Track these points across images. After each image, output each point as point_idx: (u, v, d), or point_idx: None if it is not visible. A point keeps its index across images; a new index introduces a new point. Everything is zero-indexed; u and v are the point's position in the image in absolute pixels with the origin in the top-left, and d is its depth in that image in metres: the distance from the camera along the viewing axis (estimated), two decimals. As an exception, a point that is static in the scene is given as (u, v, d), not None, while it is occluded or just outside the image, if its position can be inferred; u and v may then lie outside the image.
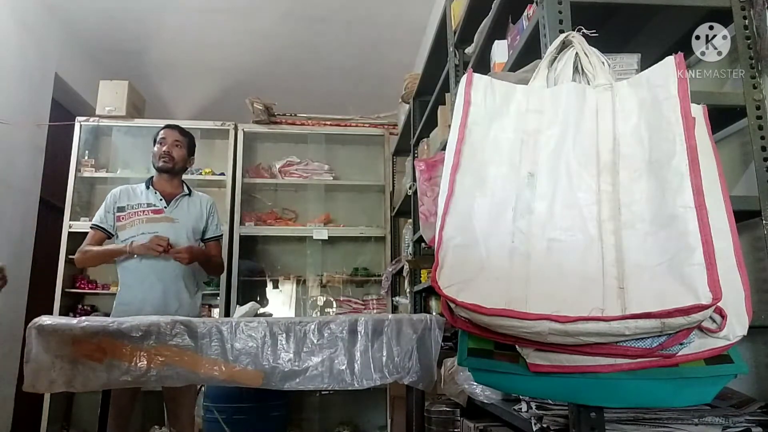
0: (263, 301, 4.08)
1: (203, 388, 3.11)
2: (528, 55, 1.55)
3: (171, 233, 2.53)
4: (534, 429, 1.21)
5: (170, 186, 2.67)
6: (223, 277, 3.84)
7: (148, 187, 2.65)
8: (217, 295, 3.92)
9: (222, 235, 2.88)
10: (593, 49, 1.24)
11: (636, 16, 1.51)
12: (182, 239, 2.58)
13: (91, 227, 2.61)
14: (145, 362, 1.78)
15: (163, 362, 1.79)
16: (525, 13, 1.67)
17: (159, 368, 1.79)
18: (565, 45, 1.27)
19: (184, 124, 4.41)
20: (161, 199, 2.61)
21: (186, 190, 2.71)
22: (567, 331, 0.95)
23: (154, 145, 2.69)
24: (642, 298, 0.94)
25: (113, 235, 2.59)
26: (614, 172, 1.09)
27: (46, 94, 4.16)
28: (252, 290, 4.05)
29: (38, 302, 3.75)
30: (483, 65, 2.04)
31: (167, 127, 2.75)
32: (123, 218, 2.56)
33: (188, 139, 2.75)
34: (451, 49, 2.47)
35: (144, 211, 2.57)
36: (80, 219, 3.87)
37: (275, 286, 4.18)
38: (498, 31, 1.93)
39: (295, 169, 4.32)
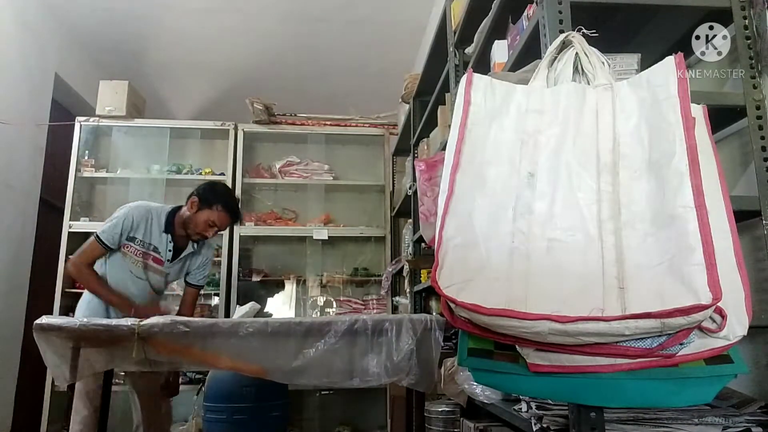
0: (262, 302, 4.08)
1: (203, 388, 3.12)
2: (528, 55, 1.56)
3: (155, 281, 2.50)
4: (534, 429, 1.20)
5: (185, 240, 2.53)
6: (223, 276, 3.85)
7: (167, 231, 2.46)
8: (217, 294, 3.92)
9: (203, 286, 2.72)
10: (593, 49, 1.24)
11: (636, 16, 1.51)
12: (160, 285, 2.56)
13: (96, 238, 2.33)
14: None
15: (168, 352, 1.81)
16: (525, 13, 1.67)
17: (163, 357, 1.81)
18: (565, 45, 1.27)
19: (184, 124, 4.49)
20: (170, 251, 2.48)
21: (194, 249, 2.58)
22: (567, 331, 0.95)
23: (202, 206, 2.42)
24: (642, 298, 0.94)
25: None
26: (614, 172, 1.09)
27: (46, 94, 4.16)
28: (252, 290, 4.05)
29: (38, 302, 3.75)
30: (483, 65, 2.04)
31: (231, 212, 2.47)
32: (127, 249, 2.40)
33: None
34: (451, 49, 2.46)
35: (147, 255, 2.43)
36: (80, 219, 3.87)
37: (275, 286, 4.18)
38: (498, 31, 1.93)
39: (295, 169, 4.32)
